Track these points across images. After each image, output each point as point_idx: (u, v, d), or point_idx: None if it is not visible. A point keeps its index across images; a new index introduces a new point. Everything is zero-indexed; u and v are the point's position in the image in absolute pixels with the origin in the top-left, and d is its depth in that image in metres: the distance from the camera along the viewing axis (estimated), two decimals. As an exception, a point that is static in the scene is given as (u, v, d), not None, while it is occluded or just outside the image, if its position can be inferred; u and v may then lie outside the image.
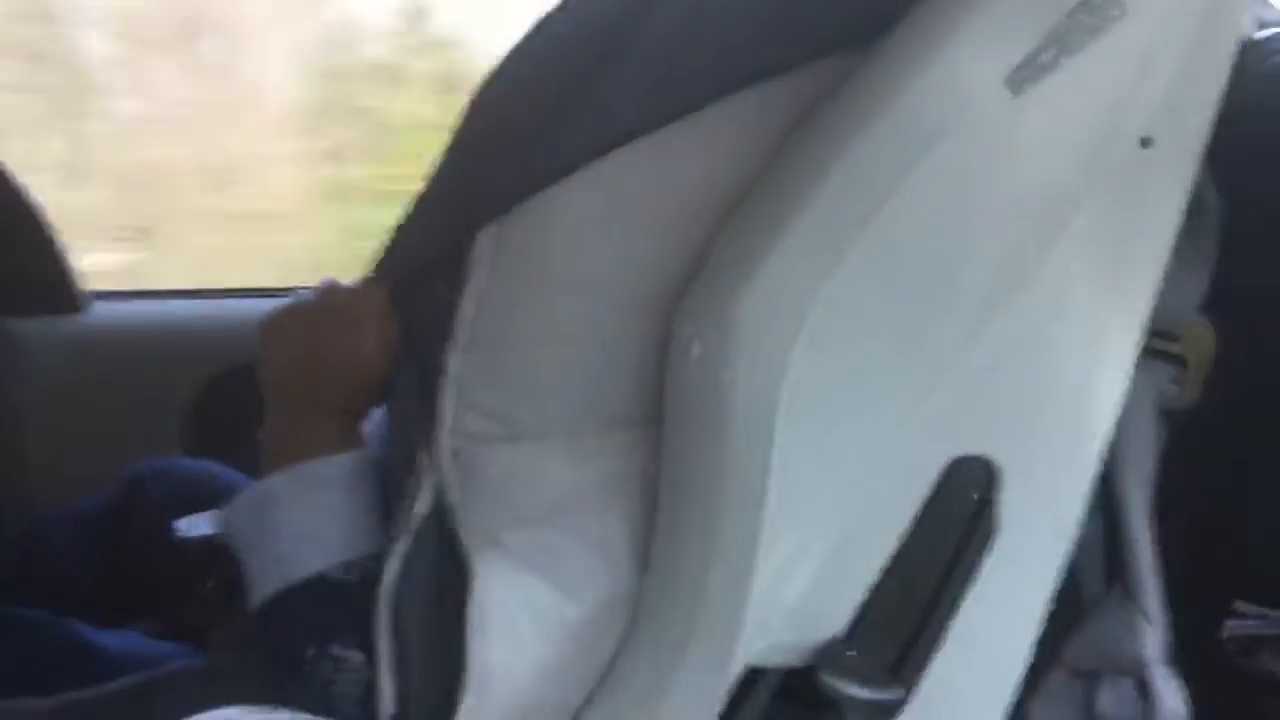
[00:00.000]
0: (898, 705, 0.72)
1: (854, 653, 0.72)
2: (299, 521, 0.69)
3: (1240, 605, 1.00)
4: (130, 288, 1.69)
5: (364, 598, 0.66)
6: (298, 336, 0.74)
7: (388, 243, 0.76)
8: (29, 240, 1.47)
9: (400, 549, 0.66)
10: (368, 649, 0.65)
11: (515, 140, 0.69)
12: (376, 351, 0.71)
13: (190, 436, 1.46)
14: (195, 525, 0.91)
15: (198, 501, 0.93)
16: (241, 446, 1.06)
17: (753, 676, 0.70)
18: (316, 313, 0.74)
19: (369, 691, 0.65)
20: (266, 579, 0.69)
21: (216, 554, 0.90)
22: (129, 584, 0.96)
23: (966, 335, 0.70)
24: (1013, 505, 0.75)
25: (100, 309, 1.52)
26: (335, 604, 0.67)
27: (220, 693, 0.65)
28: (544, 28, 0.72)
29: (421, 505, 0.67)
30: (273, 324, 0.75)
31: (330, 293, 0.75)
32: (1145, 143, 0.74)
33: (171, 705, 0.65)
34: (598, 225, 0.66)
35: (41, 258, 1.48)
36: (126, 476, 1.02)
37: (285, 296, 1.67)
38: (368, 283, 0.74)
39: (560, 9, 0.72)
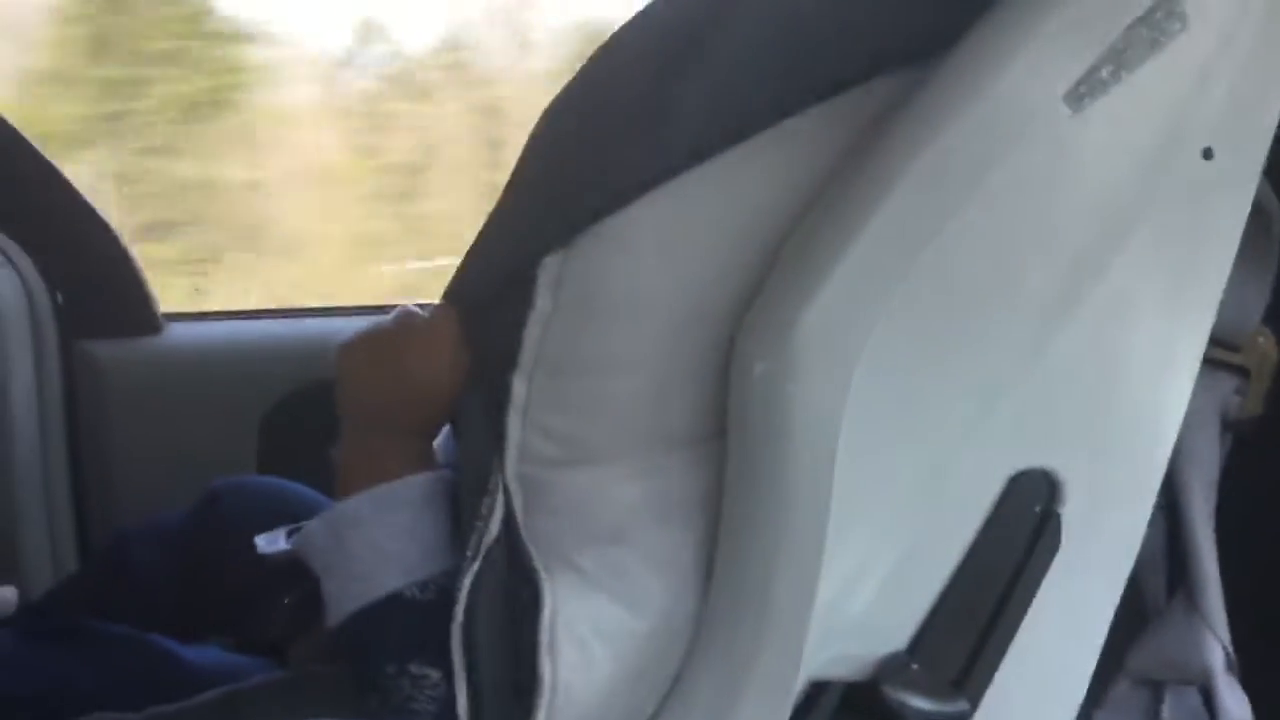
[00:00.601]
0: (962, 718, 0.72)
1: (918, 666, 0.73)
2: (376, 542, 0.71)
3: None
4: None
5: (439, 616, 0.67)
6: (375, 360, 0.76)
7: (459, 269, 0.78)
8: (107, 264, 1.51)
9: (473, 569, 0.68)
10: (444, 666, 0.67)
11: (580, 166, 0.70)
12: (449, 376, 0.73)
13: (263, 454, 1.50)
14: (272, 541, 0.94)
15: (274, 518, 0.96)
16: (313, 463, 1.08)
17: (815, 690, 0.71)
18: (393, 337, 0.76)
19: (445, 708, 0.67)
20: (345, 598, 0.71)
21: (294, 569, 0.92)
22: (208, 599, 0.98)
23: (1030, 349, 0.71)
24: (1076, 518, 0.75)
25: (175, 330, 1.56)
26: (412, 623, 0.68)
27: (303, 706, 0.67)
28: (608, 53, 0.73)
29: (493, 526, 0.68)
30: (351, 347, 0.77)
31: (406, 318, 0.77)
32: (1207, 154, 0.74)
33: (256, 718, 0.67)
34: (661, 249, 0.68)
35: (118, 281, 1.52)
36: (204, 494, 1.05)
37: (352, 315, 1.71)
38: (442, 309, 0.76)
39: (622, 34, 0.74)
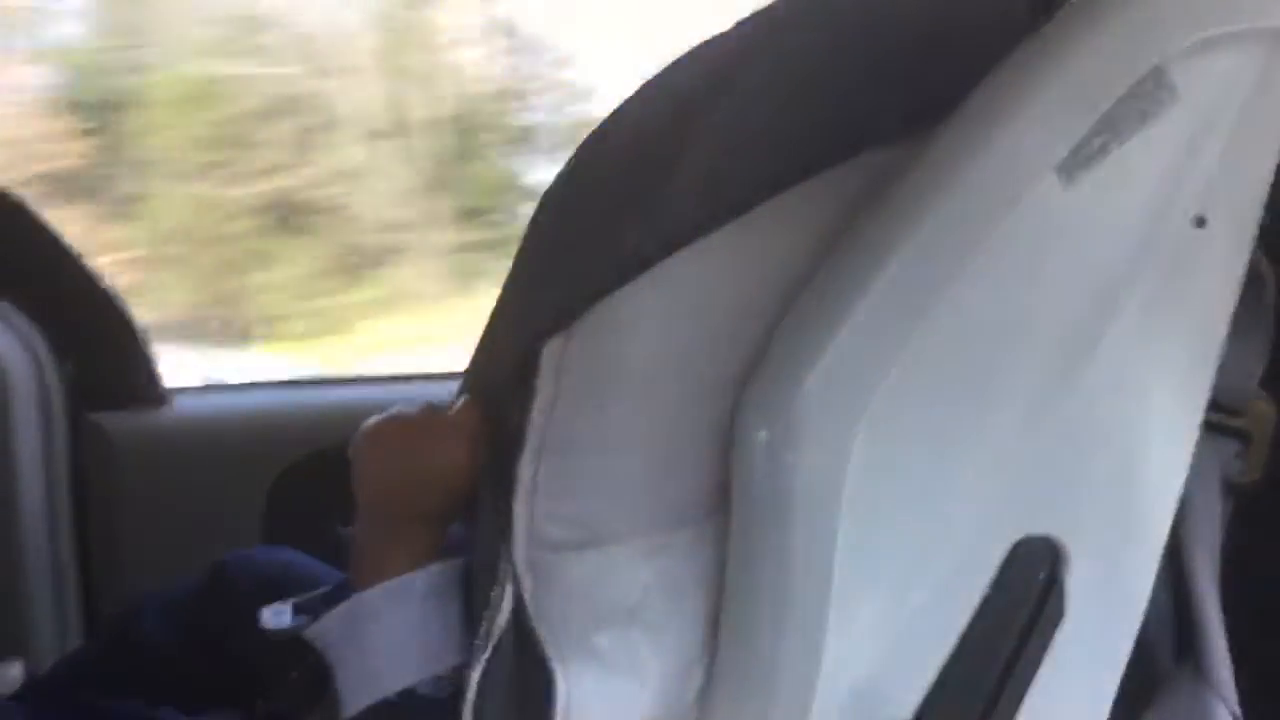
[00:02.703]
0: (971, 787, 0.72)
1: (925, 735, 0.73)
2: (390, 636, 0.71)
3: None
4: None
5: (454, 710, 0.67)
6: (395, 450, 0.77)
7: (472, 360, 0.79)
8: (116, 339, 1.53)
9: (483, 659, 0.67)
10: None
11: (576, 249, 0.72)
12: (469, 469, 0.73)
13: (269, 523, 1.50)
14: (278, 615, 0.94)
15: (280, 590, 0.96)
16: (319, 532, 1.09)
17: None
18: (415, 430, 0.77)
19: None
20: (360, 692, 0.71)
21: (300, 643, 0.92)
22: (215, 672, 0.98)
23: (1028, 417, 0.71)
24: (1080, 584, 0.75)
25: (181, 402, 1.57)
26: (426, 719, 0.68)
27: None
28: (602, 136, 0.75)
29: (502, 615, 0.68)
30: (372, 434, 0.78)
31: (430, 412, 0.78)
32: (1199, 222, 0.75)
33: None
34: (661, 326, 0.69)
35: (127, 355, 1.54)
36: (210, 567, 1.05)
37: (356, 385, 1.71)
38: (465, 405, 0.77)
39: (616, 118, 0.75)
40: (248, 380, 1.71)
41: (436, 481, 0.74)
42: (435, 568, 0.72)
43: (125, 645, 1.03)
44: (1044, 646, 0.75)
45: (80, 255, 1.50)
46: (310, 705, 0.90)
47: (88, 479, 1.51)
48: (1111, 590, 0.78)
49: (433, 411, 0.77)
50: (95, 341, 1.52)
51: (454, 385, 1.70)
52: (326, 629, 0.73)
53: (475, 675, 0.67)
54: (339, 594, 0.92)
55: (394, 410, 0.78)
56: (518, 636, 0.68)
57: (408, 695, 0.69)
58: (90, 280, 1.50)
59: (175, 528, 1.49)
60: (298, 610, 0.94)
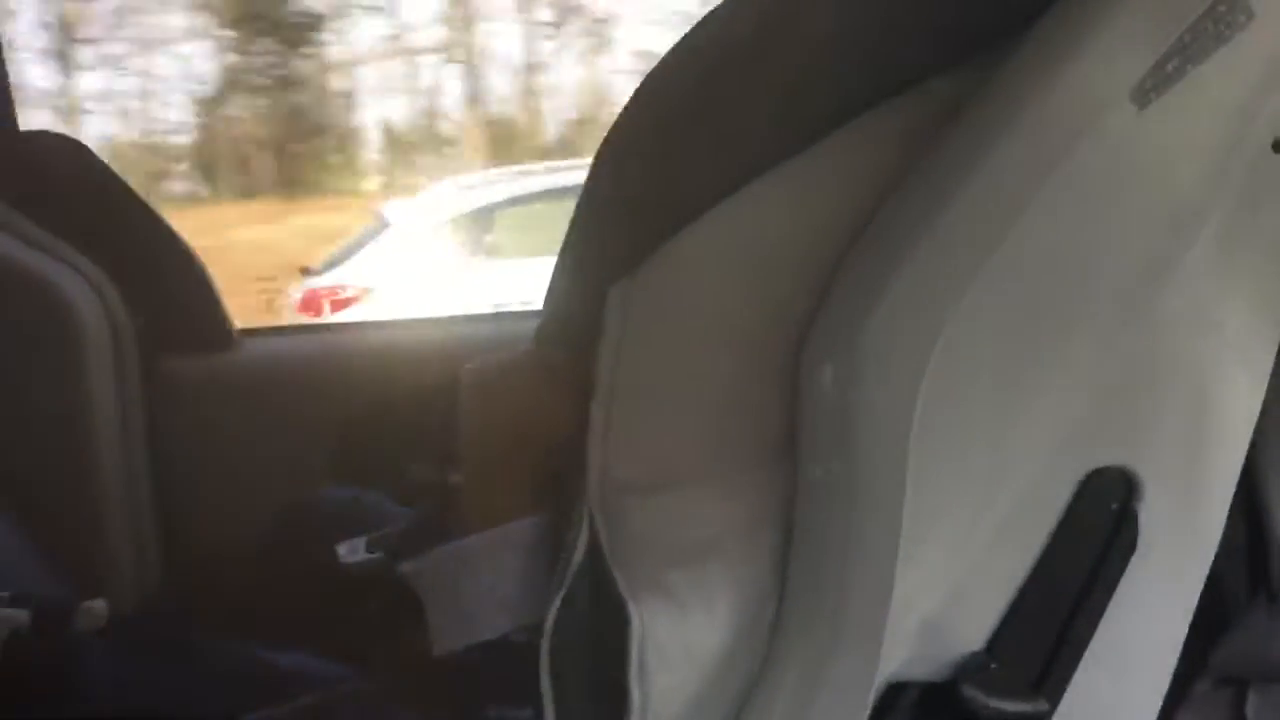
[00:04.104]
0: (1043, 718, 0.72)
1: (996, 666, 0.73)
2: (488, 584, 0.72)
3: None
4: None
5: (536, 656, 0.68)
6: (496, 394, 0.77)
7: (544, 302, 0.79)
8: (183, 281, 1.55)
9: (558, 599, 0.68)
10: (536, 703, 0.68)
11: (641, 188, 0.71)
12: (567, 413, 0.73)
13: (337, 466, 1.52)
14: (353, 550, 0.96)
15: (352, 527, 0.98)
16: (387, 475, 1.11)
17: (893, 691, 0.72)
18: (517, 374, 0.77)
19: None
20: (453, 634, 0.72)
21: (374, 579, 0.94)
22: (293, 608, 1.00)
23: (1100, 348, 0.70)
24: (1154, 515, 0.75)
25: (249, 345, 1.59)
26: (517, 667, 0.68)
27: (391, 711, 0.69)
28: (662, 72, 0.74)
29: (578, 556, 0.69)
30: (473, 378, 0.78)
31: (529, 355, 0.78)
32: (1277, 146, 0.73)
33: (353, 720, 0.69)
34: (725, 267, 0.68)
35: (194, 298, 1.56)
36: (286, 506, 1.07)
37: (420, 329, 1.73)
38: (533, 350, 0.77)
39: (675, 54, 0.75)
40: (310, 324, 1.73)
41: (536, 426, 0.74)
42: (531, 521, 0.73)
43: (205, 586, 1.06)
44: (1116, 578, 0.75)
45: (148, 203, 1.52)
46: (385, 637, 0.92)
47: (161, 422, 1.54)
48: (1185, 521, 0.77)
49: (532, 356, 0.78)
50: (164, 287, 1.54)
51: (522, 326, 1.72)
52: (424, 570, 0.74)
53: (551, 616, 0.68)
54: (412, 530, 0.94)
55: (494, 354, 0.79)
56: (593, 578, 0.68)
57: (501, 643, 0.70)
58: (158, 226, 1.53)
59: (246, 469, 1.52)
60: (371, 546, 0.96)
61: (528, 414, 0.74)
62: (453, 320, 1.74)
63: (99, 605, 1.01)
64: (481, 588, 0.71)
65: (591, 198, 0.75)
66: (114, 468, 1.50)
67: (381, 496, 1.10)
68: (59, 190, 1.48)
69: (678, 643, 0.67)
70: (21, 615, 0.93)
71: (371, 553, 0.95)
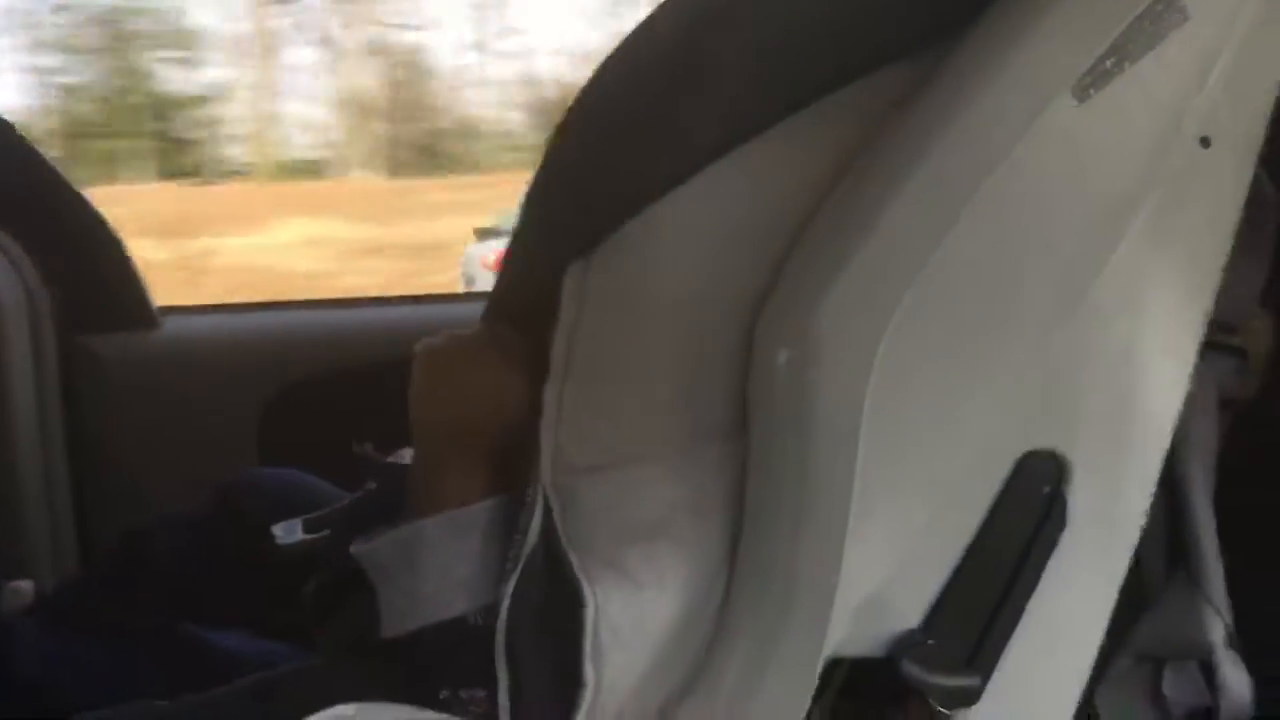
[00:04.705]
0: (976, 691, 0.74)
1: (932, 642, 0.75)
2: (446, 565, 0.71)
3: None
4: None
5: (492, 637, 0.69)
6: (431, 378, 0.76)
7: (495, 286, 0.79)
8: (105, 258, 1.52)
9: (513, 580, 0.69)
10: (491, 684, 0.68)
11: (594, 174, 0.72)
12: (499, 394, 0.73)
13: (263, 445, 1.51)
14: (290, 531, 0.96)
15: (288, 508, 0.98)
16: (313, 454, 1.10)
17: (829, 667, 0.73)
18: (473, 352, 0.77)
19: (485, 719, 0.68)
20: (407, 615, 0.72)
21: (311, 558, 0.94)
22: (229, 589, 1.00)
23: (1037, 335, 0.73)
24: (1082, 497, 0.77)
25: (172, 323, 1.56)
26: (472, 649, 0.69)
27: (334, 691, 0.68)
28: (617, 60, 0.75)
29: (531, 537, 0.69)
30: (425, 358, 0.77)
31: (451, 338, 0.77)
32: (1205, 142, 0.76)
33: (289, 703, 0.68)
34: (679, 250, 0.69)
35: (115, 276, 1.53)
36: (219, 485, 1.06)
37: (347, 308, 1.71)
38: (482, 328, 0.77)
39: (630, 41, 0.75)
40: (236, 302, 1.70)
41: (491, 404, 0.74)
42: (489, 503, 0.72)
43: (137, 566, 1.04)
44: (1046, 558, 0.77)
45: (67, 179, 1.49)
46: (325, 616, 0.91)
47: (79, 402, 1.51)
48: (1111, 502, 0.80)
49: (486, 334, 0.77)
50: (84, 264, 1.51)
51: (455, 308, 1.71)
52: (379, 551, 0.73)
53: (506, 598, 0.68)
54: (352, 511, 0.93)
55: (449, 332, 0.78)
56: (547, 560, 0.69)
57: (458, 624, 0.70)
58: (79, 203, 1.49)
59: (168, 449, 1.50)
60: (309, 527, 0.96)
61: (483, 392, 0.74)
62: (387, 300, 1.73)
63: (25, 585, 0.99)
64: (439, 570, 0.71)
65: (546, 178, 0.76)
66: (30, 446, 1.46)
67: (315, 476, 1.09)
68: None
69: (631, 620, 0.68)
70: (-54, 595, 0.92)
71: (309, 534, 0.95)
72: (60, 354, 1.49)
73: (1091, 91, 0.70)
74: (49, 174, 1.47)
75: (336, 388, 1.50)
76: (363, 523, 0.80)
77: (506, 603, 0.68)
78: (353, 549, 0.74)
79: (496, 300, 0.79)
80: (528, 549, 0.69)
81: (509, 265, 0.79)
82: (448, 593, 0.70)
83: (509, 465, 0.74)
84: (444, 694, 0.69)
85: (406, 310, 1.72)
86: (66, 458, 1.50)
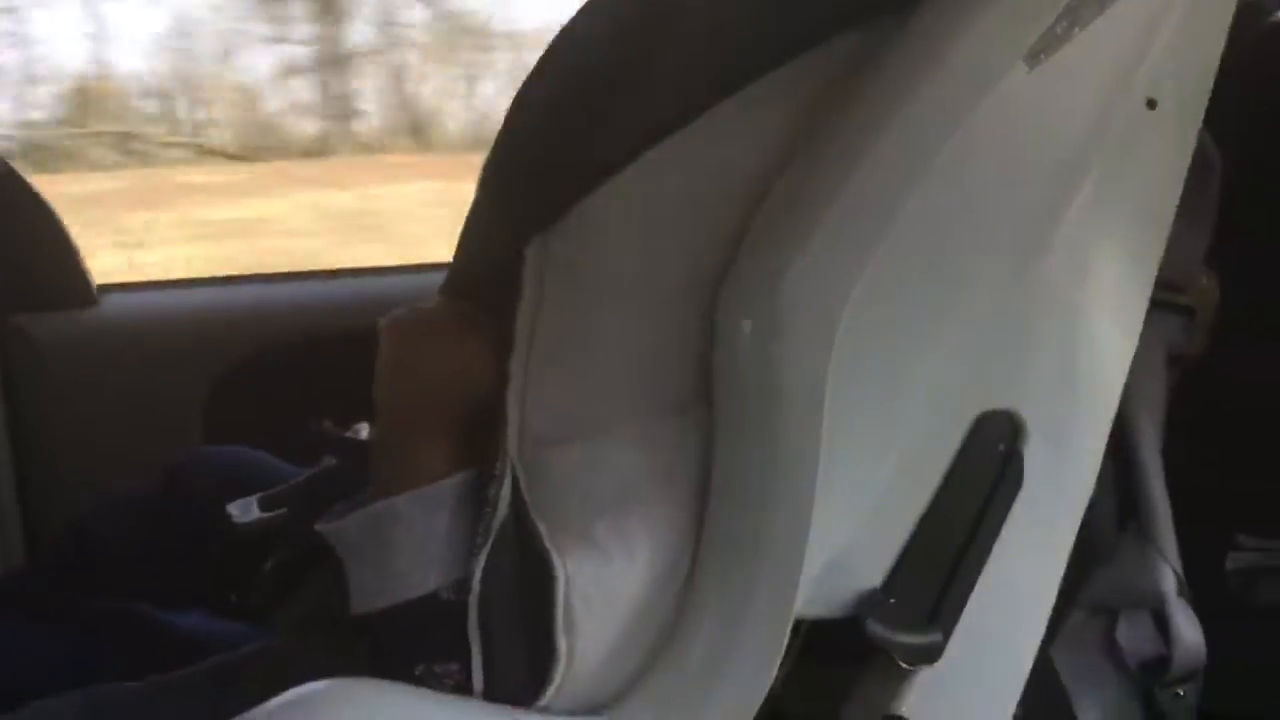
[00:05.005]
0: (939, 648, 0.76)
1: (894, 601, 0.76)
2: (418, 542, 0.70)
3: (1242, 538, 1.05)
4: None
5: (465, 612, 0.69)
6: (392, 354, 0.75)
7: (453, 262, 0.79)
8: (40, 235, 1.48)
9: (484, 553, 0.68)
10: (463, 658, 0.68)
11: (549, 151, 0.72)
12: (456, 368, 0.72)
13: (209, 425, 1.49)
14: (245, 510, 0.95)
15: (240, 487, 0.97)
16: (260, 432, 1.09)
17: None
18: (441, 325, 0.76)
19: (460, 694, 0.68)
20: (378, 592, 0.71)
21: (266, 538, 0.93)
22: (183, 570, 0.98)
23: (992, 298, 0.74)
24: (1036, 456, 0.79)
25: (111, 301, 1.53)
26: (445, 624, 0.69)
27: (301, 669, 0.68)
28: (568, 40, 0.75)
29: (501, 509, 0.69)
30: (395, 332, 0.76)
31: (408, 313, 0.76)
32: (1150, 104, 0.78)
33: (255, 684, 0.68)
34: (637, 225, 0.69)
35: (52, 253, 1.50)
36: (168, 466, 1.05)
37: (288, 281, 1.69)
38: (439, 302, 0.76)
39: (580, 19, 0.75)
40: (179, 278, 1.68)
41: (459, 376, 0.73)
42: (458, 478, 0.71)
43: (87, 549, 1.03)
44: (1002, 516, 0.79)
45: (2, 157, 1.45)
46: (283, 595, 0.91)
47: (15, 385, 1.48)
48: (1063, 460, 0.82)
49: (451, 307, 0.76)
50: (19, 241, 1.47)
51: (403, 280, 1.69)
52: (348, 529, 0.72)
53: (478, 571, 0.68)
54: (310, 488, 0.93)
55: (415, 305, 0.77)
56: (517, 532, 0.69)
57: (430, 600, 0.70)
58: (11, 179, 1.46)
59: (111, 432, 1.47)
60: (264, 505, 0.95)
61: (452, 365, 0.73)
62: (330, 273, 1.71)
63: (-30, 573, 0.97)
64: (411, 547, 0.70)
65: (504, 153, 0.75)
66: (-33, 430, 1.43)
67: (264, 454, 1.08)
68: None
69: (601, 591, 0.68)
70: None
71: (265, 511, 0.94)
72: (-5, 333, 1.46)
73: (1042, 57, 0.71)
74: (-21, 151, 1.43)
75: (284, 364, 1.49)
76: (322, 499, 0.79)
77: (479, 576, 0.68)
78: (320, 526, 0.74)
79: (455, 274, 0.79)
80: (498, 522, 0.69)
81: (467, 240, 0.78)
82: (420, 569, 0.70)
83: (475, 440, 0.73)
84: (419, 670, 0.69)
85: (350, 283, 1.70)
86: (7, 441, 1.46)
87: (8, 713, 0.73)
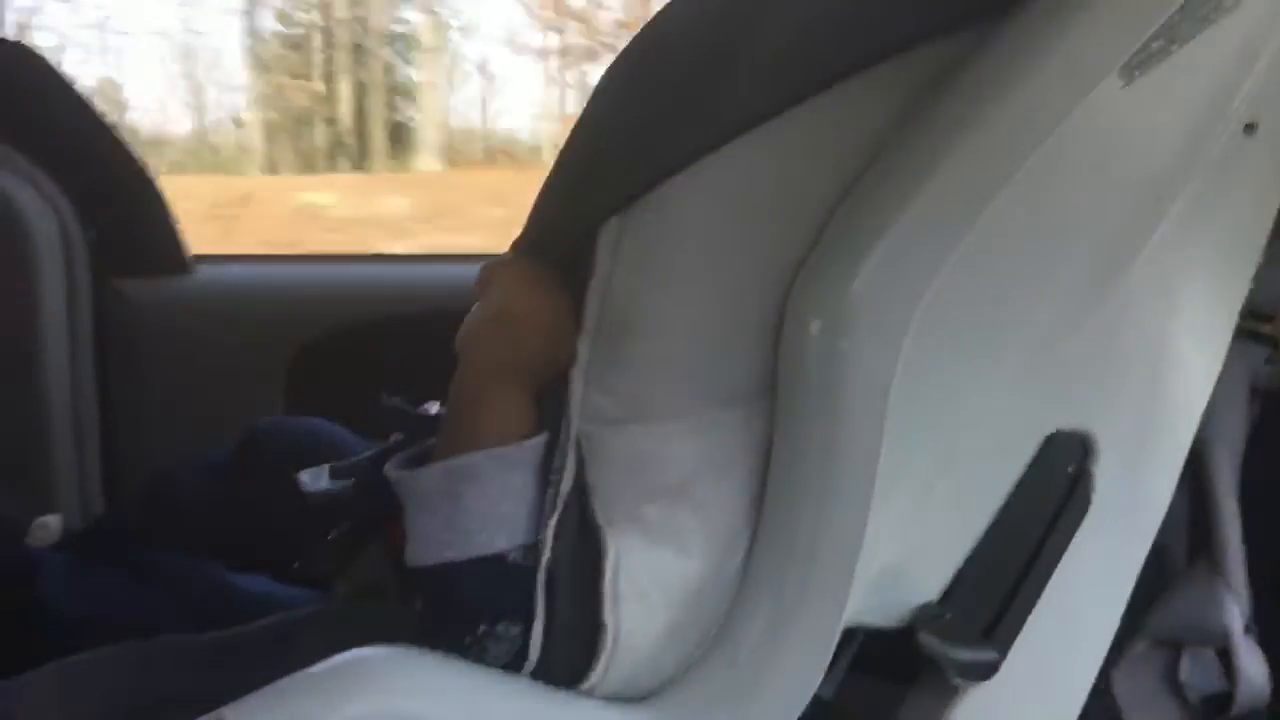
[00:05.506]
0: (994, 665, 0.75)
1: (950, 615, 0.75)
2: (490, 500, 0.71)
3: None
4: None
5: (532, 581, 0.69)
6: (514, 293, 0.75)
7: (526, 228, 0.79)
8: (140, 202, 1.53)
9: (553, 520, 0.69)
10: (526, 620, 0.68)
11: (636, 132, 0.72)
12: (570, 331, 0.73)
13: (290, 396, 1.52)
14: (315, 479, 0.96)
15: (314, 457, 0.98)
16: (340, 406, 1.11)
17: (844, 636, 0.74)
18: (534, 276, 0.76)
19: (516, 658, 0.68)
20: (444, 546, 0.71)
21: (334, 508, 0.95)
22: (250, 534, 1.01)
23: (1070, 316, 0.73)
24: (1107, 479, 0.78)
25: (204, 271, 1.57)
26: (512, 586, 0.69)
27: (355, 633, 0.69)
28: (665, 18, 0.75)
29: (566, 479, 0.70)
30: (493, 275, 0.76)
31: (495, 264, 0.77)
32: (1249, 129, 0.76)
33: (313, 643, 0.69)
34: (718, 213, 0.69)
35: (151, 221, 1.54)
36: (245, 432, 1.07)
37: (379, 263, 1.72)
38: (515, 256, 0.77)
39: (677, 1, 0.75)
40: (269, 253, 1.71)
41: (547, 334, 0.73)
42: (535, 441, 0.71)
43: (160, 506, 1.05)
44: (1068, 538, 0.78)
45: (106, 120, 1.49)
46: (344, 565, 0.92)
47: (110, 344, 1.52)
48: (1136, 486, 0.80)
49: (540, 264, 0.76)
50: (120, 207, 1.52)
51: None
52: (423, 478, 0.73)
53: (549, 533, 0.69)
54: (379, 461, 0.94)
55: (502, 257, 0.77)
56: (579, 503, 0.70)
57: (498, 560, 0.70)
58: (117, 147, 1.50)
59: (197, 394, 1.51)
60: (334, 475, 0.96)
61: (547, 316, 0.73)
62: (414, 258, 1.73)
63: (53, 520, 1.01)
64: (483, 503, 0.70)
65: (586, 132, 0.75)
66: (60, 386, 1.48)
67: (340, 426, 1.10)
68: (13, 100, 1.45)
69: (650, 576, 0.69)
70: (-22, 526, 0.94)
71: (335, 481, 0.96)
72: (94, 296, 1.50)
73: (1138, 73, 0.69)
74: (88, 115, 1.48)
75: (363, 341, 1.52)
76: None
77: (550, 543, 0.69)
78: (391, 473, 0.74)
79: (527, 243, 0.78)
80: (564, 492, 0.69)
81: (541, 211, 0.78)
82: (490, 528, 0.70)
83: (545, 408, 0.74)
84: (481, 628, 0.69)
85: (437, 268, 1.73)
86: (95, 397, 1.51)
87: (70, 655, 0.76)
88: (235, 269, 1.63)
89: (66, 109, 1.47)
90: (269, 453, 1.04)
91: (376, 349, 1.50)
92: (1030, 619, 0.77)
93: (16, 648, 0.78)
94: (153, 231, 1.54)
